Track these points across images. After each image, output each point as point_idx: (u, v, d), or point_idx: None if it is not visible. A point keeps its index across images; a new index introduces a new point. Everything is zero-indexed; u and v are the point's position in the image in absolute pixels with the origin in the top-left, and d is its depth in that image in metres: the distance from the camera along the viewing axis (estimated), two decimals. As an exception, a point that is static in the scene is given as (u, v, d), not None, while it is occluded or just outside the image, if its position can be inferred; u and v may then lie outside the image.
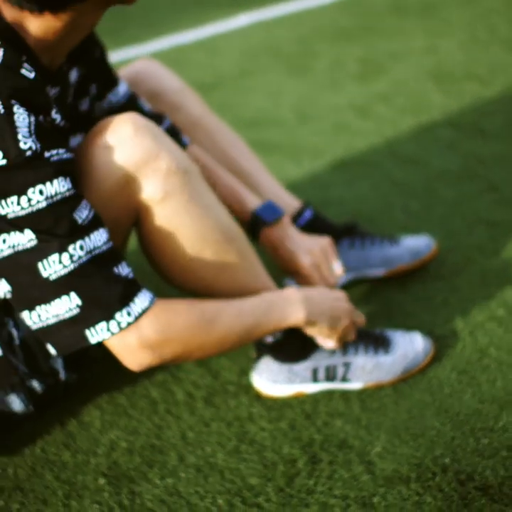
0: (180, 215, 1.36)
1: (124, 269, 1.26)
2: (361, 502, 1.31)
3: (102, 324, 1.24)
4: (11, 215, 1.18)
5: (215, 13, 3.93)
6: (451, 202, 2.13)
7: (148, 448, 1.48)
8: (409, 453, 1.39)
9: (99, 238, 1.24)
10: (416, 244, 1.85)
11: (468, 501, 1.28)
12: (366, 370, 1.54)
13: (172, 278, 1.43)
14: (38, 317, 1.25)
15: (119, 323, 1.24)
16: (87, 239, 1.22)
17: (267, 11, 3.89)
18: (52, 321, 1.24)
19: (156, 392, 1.61)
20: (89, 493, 1.40)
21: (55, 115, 1.29)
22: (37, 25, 1.23)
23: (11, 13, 1.22)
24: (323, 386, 1.54)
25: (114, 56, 3.35)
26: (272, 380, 1.54)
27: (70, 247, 1.20)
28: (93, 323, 1.24)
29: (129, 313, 1.25)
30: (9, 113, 1.16)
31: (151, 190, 1.33)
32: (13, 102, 1.17)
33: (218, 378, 1.62)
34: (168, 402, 1.58)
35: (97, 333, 1.25)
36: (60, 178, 1.20)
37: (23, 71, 1.21)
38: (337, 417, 1.49)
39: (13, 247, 1.20)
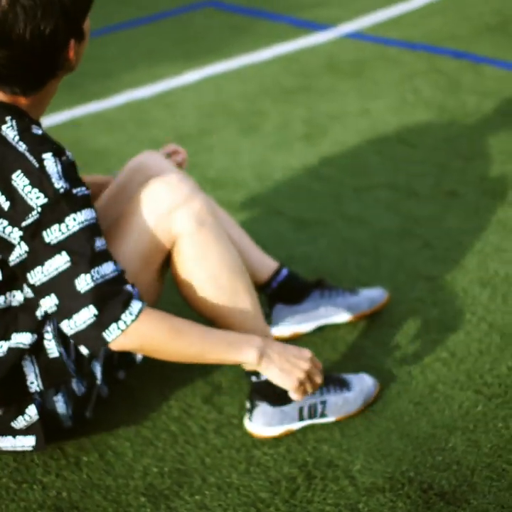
0: (208, 246, 1.82)
1: (128, 288, 1.66)
2: (350, 508, 1.73)
3: (113, 326, 1.63)
4: (53, 241, 1.58)
5: (168, 67, 4.31)
6: (395, 259, 2.58)
7: (176, 471, 1.86)
8: (382, 469, 1.82)
9: (107, 268, 1.63)
10: (372, 294, 2.29)
11: (430, 505, 1.72)
12: (338, 406, 1.96)
13: (196, 305, 1.87)
14: (74, 324, 1.63)
15: (125, 322, 1.63)
16: (101, 267, 1.62)
17: (215, 66, 4.30)
18: (82, 326, 1.63)
19: (174, 426, 1.99)
20: (134, 510, 1.78)
21: (68, 153, 1.69)
22: (25, 99, 1.68)
23: (6, 96, 1.66)
24: (306, 423, 1.95)
25: (75, 112, 3.72)
26: (267, 423, 1.93)
27: (92, 271, 1.60)
28: (107, 326, 1.63)
29: (131, 313, 1.63)
30: (42, 165, 1.59)
31: (187, 224, 1.80)
32: (43, 155, 1.60)
33: (223, 413, 2.02)
34: (185, 434, 1.97)
35: (111, 333, 1.63)
36: (87, 209, 1.62)
37: (34, 130, 1.64)
38: (323, 443, 1.91)
39: (57, 269, 1.60)
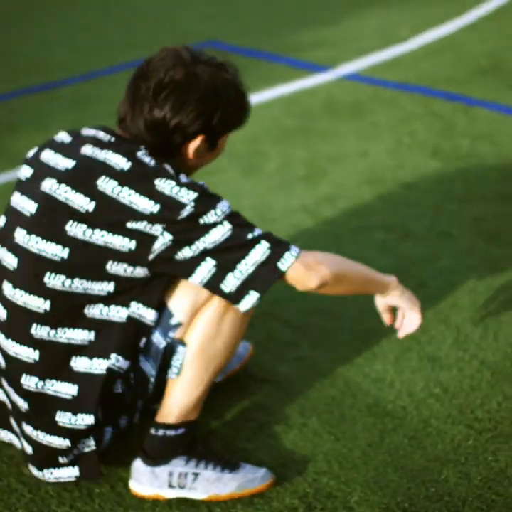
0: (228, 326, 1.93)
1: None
2: (348, 537, 1.84)
3: (287, 254, 1.81)
4: (211, 221, 1.77)
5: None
6: (392, 297, 2.70)
7: (183, 502, 1.97)
8: (378, 500, 1.93)
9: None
10: (238, 351, 2.35)
11: (424, 534, 1.83)
12: (209, 481, 1.97)
13: None
14: (240, 273, 1.78)
15: (296, 250, 1.83)
16: (257, 228, 1.84)
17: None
18: (251, 269, 1.78)
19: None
20: (144, 538, 1.88)
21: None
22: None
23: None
24: (176, 493, 1.98)
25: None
26: (137, 481, 1.99)
27: (255, 230, 1.82)
28: (281, 255, 1.81)
29: (297, 248, 1.85)
30: (177, 175, 1.83)
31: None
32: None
33: (224, 446, 2.14)
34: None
35: (285, 261, 1.81)
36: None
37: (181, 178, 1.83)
38: (323, 475, 2.02)
39: (223, 235, 1.78)
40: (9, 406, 1.99)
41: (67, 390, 1.87)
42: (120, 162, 1.80)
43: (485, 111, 4.17)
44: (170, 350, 1.92)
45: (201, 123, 1.85)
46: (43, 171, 1.88)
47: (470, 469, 2.00)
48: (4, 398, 2.01)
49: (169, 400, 1.97)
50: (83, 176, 1.81)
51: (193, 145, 1.88)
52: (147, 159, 1.82)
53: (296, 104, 4.43)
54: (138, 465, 1.99)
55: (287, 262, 1.81)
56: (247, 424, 2.20)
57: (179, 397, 1.95)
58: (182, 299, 1.92)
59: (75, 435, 1.89)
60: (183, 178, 1.83)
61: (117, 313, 1.86)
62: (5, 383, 1.96)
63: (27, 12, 6.63)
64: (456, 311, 2.61)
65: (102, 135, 1.87)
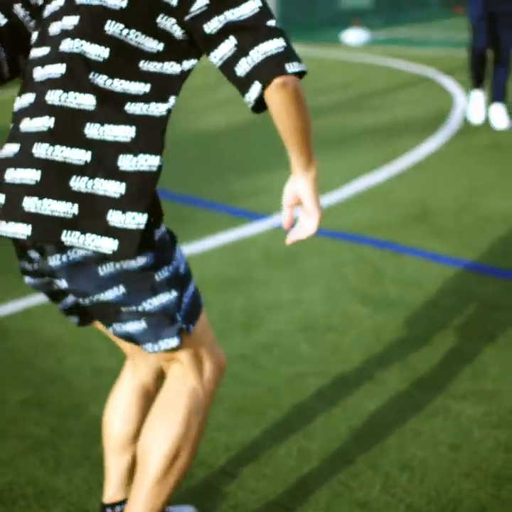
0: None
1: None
2: None
3: (296, 62, 1.74)
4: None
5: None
6: (321, 443, 2.84)
7: None
8: None
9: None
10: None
11: None
12: None
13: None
14: (252, 60, 1.74)
15: (301, 70, 1.75)
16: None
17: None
18: (264, 57, 1.73)
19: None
20: None
21: None
22: None
23: None
24: None
25: (29, 301, 3.96)
26: None
27: (276, 20, 1.78)
28: (291, 60, 1.74)
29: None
30: None
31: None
32: None
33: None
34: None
35: (293, 66, 1.73)
36: None
37: None
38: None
39: (252, 10, 1.76)
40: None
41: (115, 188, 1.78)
42: None
43: (413, 258, 4.44)
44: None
45: None
46: None
47: None
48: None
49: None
50: None
51: None
52: None
53: (235, 252, 4.66)
54: None
55: (293, 68, 1.76)
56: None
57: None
58: None
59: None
60: None
61: (171, 68, 1.85)
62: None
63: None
64: (384, 456, 2.76)
65: None
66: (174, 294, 1.89)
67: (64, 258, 1.82)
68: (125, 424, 2.22)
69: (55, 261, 1.83)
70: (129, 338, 1.93)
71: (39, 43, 1.92)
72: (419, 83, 10.13)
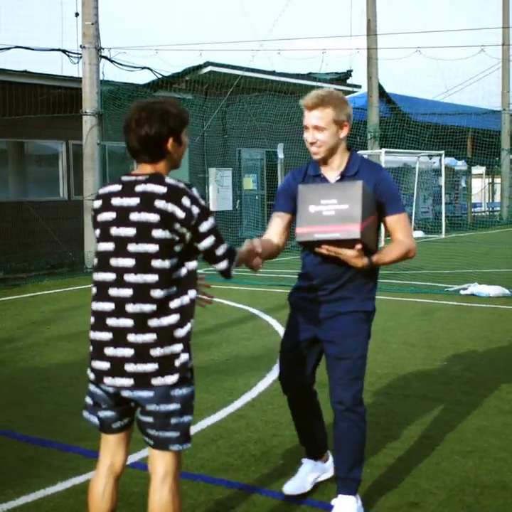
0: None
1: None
2: None
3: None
4: (206, 229, 3.43)
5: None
6: None
7: None
8: None
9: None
10: None
11: None
12: None
13: None
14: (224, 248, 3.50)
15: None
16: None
17: (15, 500, 4.69)
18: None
19: None
20: None
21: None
22: (162, 169, 3.52)
23: (151, 167, 3.46)
24: None
25: None
26: None
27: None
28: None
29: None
30: (193, 193, 3.43)
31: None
32: (192, 188, 3.44)
33: None
34: None
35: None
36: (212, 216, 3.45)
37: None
38: None
39: (210, 243, 3.45)
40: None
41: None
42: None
43: (262, 496, 4.73)
44: None
45: (165, 128, 3.38)
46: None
47: None
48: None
49: None
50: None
51: (169, 144, 3.41)
52: (172, 181, 3.41)
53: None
54: None
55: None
56: None
57: None
58: None
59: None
60: (195, 192, 3.46)
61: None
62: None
63: None
64: None
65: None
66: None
67: None
68: (108, 503, 3.56)
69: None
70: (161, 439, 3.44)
71: None
72: (246, 320, 10.76)
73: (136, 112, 3.40)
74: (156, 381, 3.33)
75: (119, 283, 3.35)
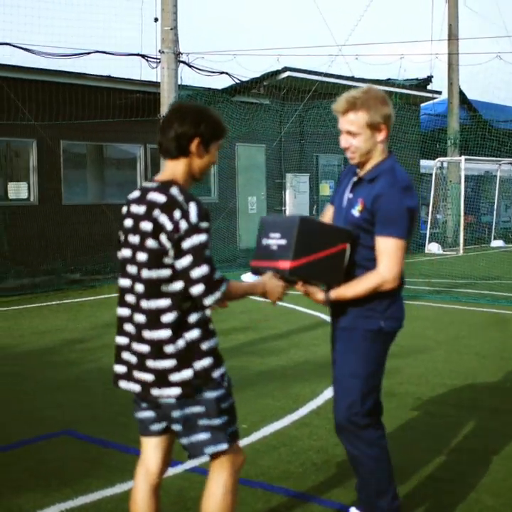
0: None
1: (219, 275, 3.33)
2: None
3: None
4: (187, 247, 3.23)
5: (28, 501, 4.67)
6: None
7: None
8: None
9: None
10: None
11: None
12: None
13: None
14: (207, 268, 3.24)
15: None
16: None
17: (73, 501, 4.70)
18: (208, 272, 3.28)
19: None
20: None
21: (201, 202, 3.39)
22: (180, 178, 3.39)
23: (169, 168, 3.45)
24: None
25: None
26: None
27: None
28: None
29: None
30: (187, 208, 3.25)
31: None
32: (190, 203, 3.26)
33: None
34: None
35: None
36: (204, 234, 3.24)
37: (187, 191, 3.36)
38: None
39: (187, 263, 3.23)
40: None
41: None
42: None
43: (320, 507, 4.64)
44: None
45: (194, 128, 3.32)
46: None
47: None
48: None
49: None
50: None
51: (194, 143, 3.34)
52: (176, 192, 3.29)
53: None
54: None
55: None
56: None
57: None
58: None
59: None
60: (193, 206, 3.26)
61: None
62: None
63: None
64: None
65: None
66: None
67: None
68: (150, 503, 3.53)
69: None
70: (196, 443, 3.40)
71: None
72: (317, 326, 10.68)
73: (174, 109, 3.44)
74: (175, 377, 3.30)
75: (132, 290, 3.38)
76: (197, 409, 3.34)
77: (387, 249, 3.76)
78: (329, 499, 4.77)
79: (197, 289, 3.22)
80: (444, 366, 8.23)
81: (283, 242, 3.76)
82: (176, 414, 3.37)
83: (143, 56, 17.46)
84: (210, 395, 3.35)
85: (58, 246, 16.03)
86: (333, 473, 5.19)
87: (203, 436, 3.39)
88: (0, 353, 9.16)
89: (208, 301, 3.24)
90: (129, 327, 3.38)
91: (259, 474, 5.16)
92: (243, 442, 5.77)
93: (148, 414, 3.49)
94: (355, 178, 3.98)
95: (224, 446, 3.42)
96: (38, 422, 6.35)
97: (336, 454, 5.54)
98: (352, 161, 3.95)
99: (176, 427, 3.41)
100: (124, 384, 3.43)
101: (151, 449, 3.56)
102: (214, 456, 3.46)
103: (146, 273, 3.27)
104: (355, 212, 3.85)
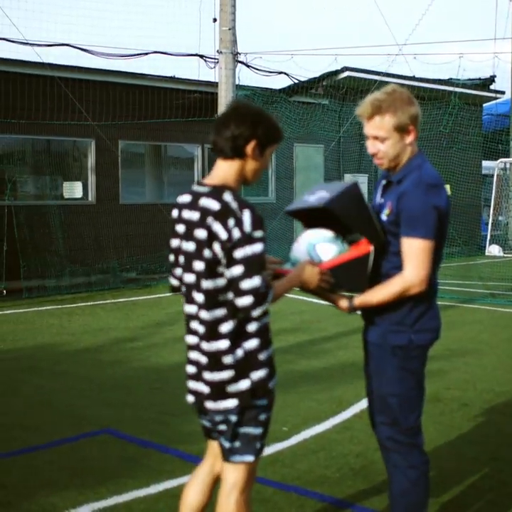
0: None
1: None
2: None
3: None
4: (239, 257, 3.13)
5: (64, 499, 4.70)
6: None
7: None
8: None
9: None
10: None
11: None
12: None
13: None
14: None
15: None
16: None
17: (107, 500, 4.71)
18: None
19: None
20: None
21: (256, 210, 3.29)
22: (232, 182, 3.28)
23: (221, 169, 3.34)
24: None
25: None
26: None
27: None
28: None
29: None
30: (241, 216, 3.15)
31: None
32: (244, 210, 3.17)
33: None
34: None
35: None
36: (258, 243, 3.17)
37: (240, 197, 3.24)
38: None
39: (238, 273, 3.14)
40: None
41: None
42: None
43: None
44: None
45: (252, 130, 3.22)
46: None
47: None
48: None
49: None
50: None
51: (250, 146, 3.24)
52: (229, 198, 3.19)
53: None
54: None
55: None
56: None
57: None
58: None
59: None
60: (247, 214, 3.16)
61: None
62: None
63: None
64: None
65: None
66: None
67: None
68: (200, 494, 3.55)
69: None
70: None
71: None
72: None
73: (232, 108, 3.34)
74: (232, 388, 3.28)
75: (188, 298, 3.36)
76: (237, 416, 3.31)
77: (413, 250, 3.57)
78: (363, 505, 4.69)
79: (245, 301, 3.13)
80: (493, 372, 8.05)
81: (325, 194, 3.65)
82: (218, 418, 3.34)
83: (201, 56, 17.52)
84: (256, 403, 3.32)
85: (114, 245, 16.18)
86: (370, 480, 5.10)
87: (234, 443, 3.35)
88: (49, 351, 9.26)
89: (255, 313, 3.17)
90: (195, 325, 3.34)
91: (295, 478, 5.10)
92: (282, 445, 5.74)
93: (206, 422, 3.48)
94: (384, 182, 3.85)
95: (250, 459, 3.37)
96: (81, 420, 6.39)
97: (375, 460, 5.44)
98: (381, 167, 3.80)
99: (221, 427, 3.36)
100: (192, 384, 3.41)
101: (217, 450, 3.53)
102: (231, 464, 3.40)
103: (204, 283, 3.22)
104: (384, 216, 3.69)
